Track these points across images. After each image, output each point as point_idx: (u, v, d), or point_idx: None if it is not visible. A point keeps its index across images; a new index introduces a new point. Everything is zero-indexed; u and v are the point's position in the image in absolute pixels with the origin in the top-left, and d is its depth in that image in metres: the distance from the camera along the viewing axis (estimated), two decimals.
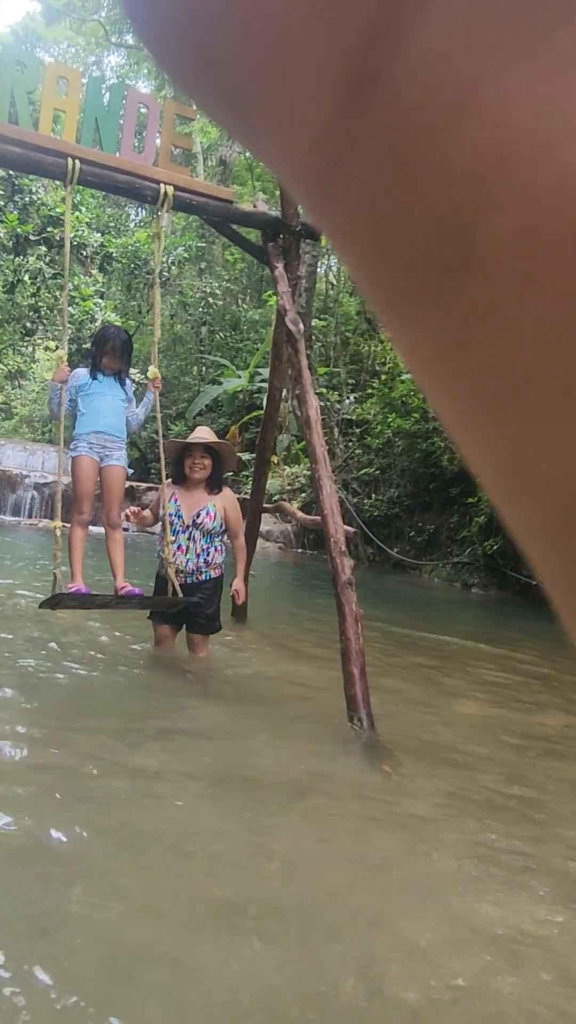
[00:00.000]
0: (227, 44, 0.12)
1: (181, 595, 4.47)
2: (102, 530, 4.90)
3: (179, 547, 4.54)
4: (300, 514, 6.58)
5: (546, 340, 0.10)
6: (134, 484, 14.58)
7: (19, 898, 2.04)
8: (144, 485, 14.71)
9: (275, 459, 13.10)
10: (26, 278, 15.24)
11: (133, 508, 4.65)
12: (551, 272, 0.10)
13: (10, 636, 4.83)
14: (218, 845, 2.49)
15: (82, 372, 4.80)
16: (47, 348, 19.43)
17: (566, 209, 0.10)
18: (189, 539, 4.53)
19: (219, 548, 4.62)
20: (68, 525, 4.66)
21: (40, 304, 16.08)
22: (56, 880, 2.15)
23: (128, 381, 4.97)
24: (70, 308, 16.54)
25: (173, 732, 3.49)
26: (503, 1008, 1.85)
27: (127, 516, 4.60)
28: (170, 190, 4.73)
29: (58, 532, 4.35)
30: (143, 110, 5.02)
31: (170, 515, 4.54)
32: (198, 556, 4.53)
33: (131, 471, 5.09)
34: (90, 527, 4.81)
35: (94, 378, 4.79)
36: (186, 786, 2.93)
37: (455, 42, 0.10)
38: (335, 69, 0.11)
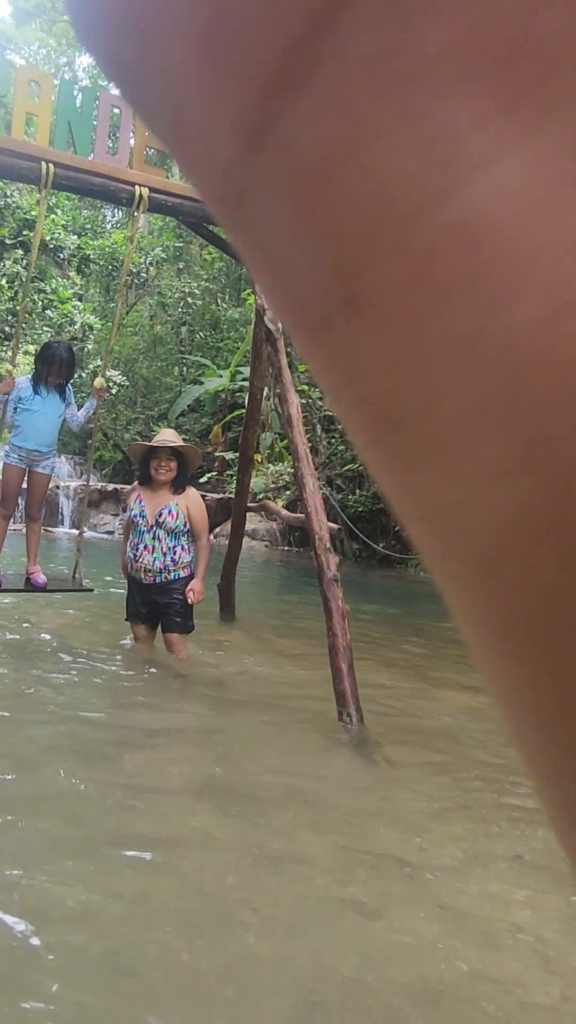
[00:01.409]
0: (142, 86, 0.13)
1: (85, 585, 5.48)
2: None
3: (145, 547, 4.64)
4: (284, 512, 6.60)
5: (424, 382, 0.11)
6: (118, 487, 14.57)
7: (16, 895, 2.05)
8: (128, 487, 14.69)
9: (258, 457, 13.10)
10: (3, 282, 15.16)
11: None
12: (425, 325, 0.11)
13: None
14: (209, 841, 2.50)
15: (24, 382, 5.18)
16: (26, 352, 19.33)
17: (436, 268, 0.10)
18: (154, 539, 4.62)
19: (186, 547, 4.70)
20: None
21: (18, 308, 15.98)
22: (55, 878, 2.16)
23: (69, 388, 5.45)
24: (48, 312, 16.49)
25: (160, 731, 3.50)
26: (499, 999, 1.88)
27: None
28: (145, 192, 4.73)
29: None
30: (116, 111, 5.02)
31: (135, 516, 4.67)
32: (164, 555, 4.61)
33: (57, 474, 5.93)
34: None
35: (36, 392, 5.23)
36: (175, 784, 2.94)
37: (342, 102, 0.10)
38: (236, 113, 0.11)
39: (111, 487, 14.72)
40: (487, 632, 0.12)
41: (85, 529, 5.77)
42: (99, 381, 5.30)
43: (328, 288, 0.11)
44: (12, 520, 5.68)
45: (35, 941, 1.90)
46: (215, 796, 2.88)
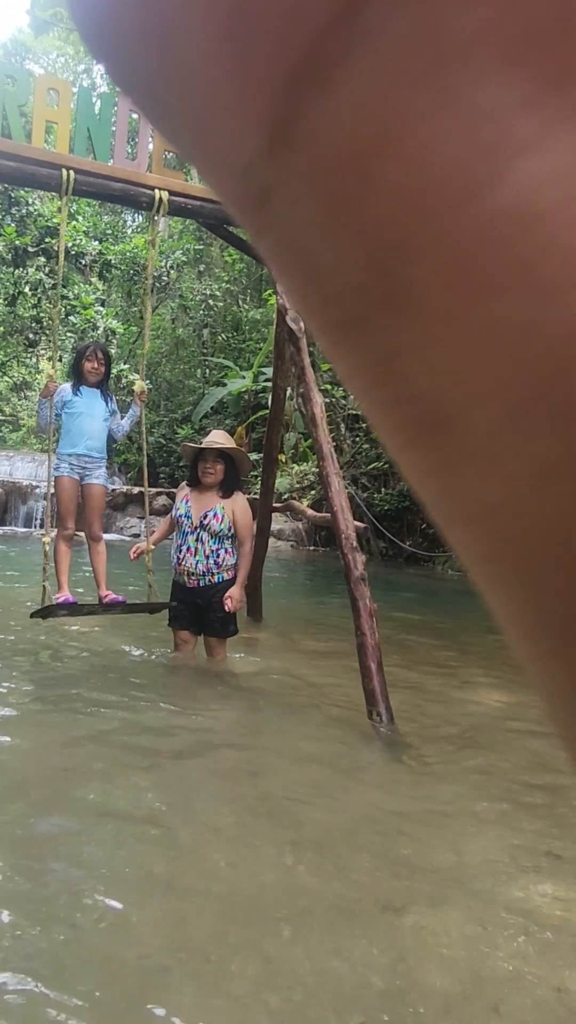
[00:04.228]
0: (158, 92, 0.12)
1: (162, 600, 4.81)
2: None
3: (188, 549, 4.58)
4: (310, 512, 6.58)
5: (469, 379, 0.11)
6: (143, 490, 14.63)
7: (49, 892, 2.06)
8: (153, 490, 14.76)
9: (283, 458, 13.10)
10: (26, 290, 15.31)
11: (135, 549, 4.91)
12: (471, 319, 0.10)
13: (30, 644, 4.87)
14: (242, 840, 2.50)
15: (66, 388, 5.02)
16: (50, 359, 19.51)
17: (483, 260, 0.10)
18: (198, 541, 4.56)
19: (230, 551, 4.62)
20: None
21: (42, 315, 16.16)
22: (86, 873, 2.17)
23: (111, 395, 5.21)
24: (71, 317, 16.63)
25: (192, 731, 3.51)
26: (536, 996, 1.85)
27: (131, 555, 4.88)
28: (165, 195, 4.75)
29: (47, 546, 4.68)
30: (134, 116, 5.05)
31: (180, 516, 4.61)
32: (207, 558, 4.55)
33: (111, 486, 5.47)
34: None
35: (76, 393, 5.02)
36: (207, 783, 2.94)
37: (376, 91, 0.10)
38: (260, 108, 0.11)
39: (136, 490, 14.80)
40: (538, 636, 0.12)
41: (152, 547, 4.93)
42: (139, 385, 5.17)
43: (362, 286, 0.11)
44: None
45: (69, 937, 1.91)
46: (245, 796, 2.88)
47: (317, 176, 0.11)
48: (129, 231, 20.06)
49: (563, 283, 0.10)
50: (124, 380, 14.76)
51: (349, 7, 0.10)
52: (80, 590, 5.43)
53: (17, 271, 14.88)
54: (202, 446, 4.59)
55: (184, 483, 4.76)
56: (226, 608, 4.57)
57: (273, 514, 6.78)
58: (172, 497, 4.78)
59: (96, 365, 5.03)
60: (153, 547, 4.85)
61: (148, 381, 17.01)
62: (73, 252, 16.19)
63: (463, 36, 0.10)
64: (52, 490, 4.98)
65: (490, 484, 0.11)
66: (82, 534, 5.18)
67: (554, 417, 0.10)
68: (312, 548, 14.20)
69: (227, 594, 4.59)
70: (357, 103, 0.10)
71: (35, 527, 13.52)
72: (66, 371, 5.83)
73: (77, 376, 5.07)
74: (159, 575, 5.07)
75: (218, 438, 4.69)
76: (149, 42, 0.12)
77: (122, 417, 5.22)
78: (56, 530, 5.01)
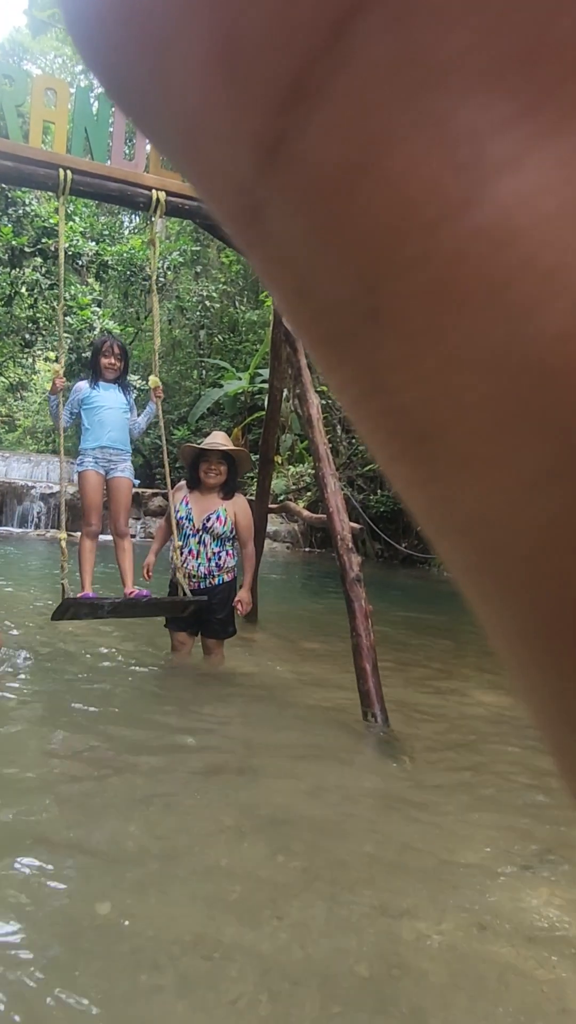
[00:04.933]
0: (151, 107, 0.12)
1: (190, 596, 4.51)
2: (110, 538, 4.97)
3: (190, 551, 4.54)
4: (306, 513, 6.58)
5: (451, 394, 0.11)
6: (139, 491, 14.63)
7: (41, 891, 2.06)
8: (150, 491, 14.74)
9: (279, 459, 13.10)
10: (23, 290, 15.29)
11: (147, 563, 4.70)
12: (453, 335, 0.10)
13: (26, 646, 4.86)
14: (235, 840, 2.50)
15: (83, 385, 4.86)
16: (47, 359, 19.47)
17: (462, 277, 0.10)
18: (199, 543, 4.53)
19: (231, 552, 4.61)
20: (73, 535, 4.78)
21: (38, 315, 16.13)
22: (78, 870, 2.17)
23: (130, 388, 5.01)
24: (67, 318, 16.61)
25: (187, 731, 3.51)
26: (528, 998, 1.86)
27: (144, 574, 4.66)
28: (162, 196, 4.75)
29: (63, 543, 4.43)
30: (147, 136, 5.04)
31: (181, 518, 4.56)
32: (209, 560, 4.53)
33: (137, 481, 5.16)
34: (99, 537, 4.85)
35: (95, 387, 4.83)
36: (202, 782, 2.94)
37: (360, 112, 0.10)
38: (252, 129, 0.11)
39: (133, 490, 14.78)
40: (523, 646, 0.12)
41: (180, 544, 4.68)
42: (154, 380, 4.92)
43: (351, 300, 0.11)
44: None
45: (63, 946, 1.91)
46: (239, 795, 2.87)
47: (305, 194, 0.11)
48: (126, 232, 20.05)
49: (540, 300, 0.10)
50: (129, 378, 14.73)
51: (336, 32, 0.10)
52: (97, 587, 5.23)
53: (13, 271, 14.86)
54: (204, 447, 4.55)
55: (182, 484, 4.71)
56: (237, 612, 4.57)
57: (269, 515, 6.78)
58: (168, 498, 4.70)
59: (113, 360, 4.89)
60: (155, 558, 4.81)
61: (145, 382, 17.03)
62: (70, 252, 16.17)
63: (443, 59, 0.10)
64: (63, 488, 4.74)
65: (475, 496, 0.11)
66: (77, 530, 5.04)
67: (535, 431, 0.10)
68: (308, 549, 14.21)
69: (237, 598, 4.57)
70: (342, 124, 0.10)
71: (30, 528, 13.50)
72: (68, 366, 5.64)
73: (95, 372, 4.90)
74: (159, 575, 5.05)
75: (219, 439, 4.66)
76: (142, 59, 0.12)
77: (139, 414, 5.04)
78: (80, 528, 4.81)
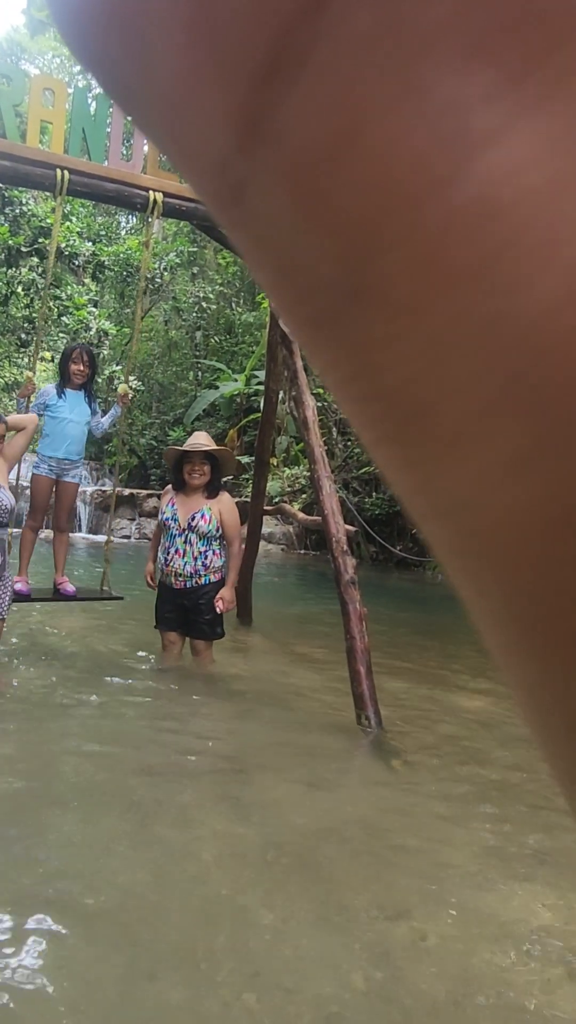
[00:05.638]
0: (129, 84, 0.12)
1: (113, 592, 5.34)
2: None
3: (176, 551, 4.57)
4: (301, 515, 6.59)
5: (438, 373, 0.11)
6: (134, 492, 14.62)
7: (33, 893, 2.05)
8: (144, 492, 14.74)
9: (274, 461, 13.10)
10: (19, 290, 15.28)
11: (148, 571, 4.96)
12: (439, 312, 0.10)
13: (16, 644, 4.84)
14: (228, 843, 2.50)
15: (51, 389, 5.23)
16: (43, 359, 19.43)
17: (448, 253, 0.10)
18: (186, 543, 4.55)
19: (218, 552, 4.62)
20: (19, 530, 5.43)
21: (34, 315, 16.11)
22: (69, 874, 2.16)
23: (94, 397, 5.45)
24: (64, 318, 16.60)
25: (179, 733, 3.50)
26: (519, 1001, 1.86)
27: (147, 582, 5.00)
28: (159, 197, 4.75)
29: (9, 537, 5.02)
30: (129, 117, 5.04)
31: (167, 519, 4.60)
32: (195, 559, 4.55)
33: (104, 488, 5.78)
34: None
35: (61, 395, 5.19)
36: (193, 785, 2.94)
37: (341, 85, 0.10)
38: (231, 103, 0.11)
39: (127, 492, 14.77)
40: (506, 630, 0.12)
41: (112, 539, 5.62)
42: (123, 387, 5.27)
43: (334, 280, 0.11)
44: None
45: (57, 942, 1.90)
46: (231, 798, 2.87)
47: (287, 170, 0.11)
48: (123, 232, 20.05)
49: (527, 275, 0.09)
50: (116, 382, 14.73)
51: (315, 1, 0.10)
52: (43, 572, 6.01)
53: (10, 271, 14.85)
54: (187, 448, 4.59)
55: (168, 487, 4.76)
56: (217, 610, 4.55)
57: (264, 517, 6.78)
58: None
59: (81, 367, 5.23)
60: (154, 564, 4.84)
61: (141, 383, 17.02)
62: (67, 253, 16.17)
63: (425, 30, 0.09)
64: (17, 489, 5.21)
65: (461, 478, 0.11)
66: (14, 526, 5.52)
67: (523, 410, 0.10)
68: (303, 551, 14.20)
69: (218, 595, 4.57)
70: (323, 98, 0.10)
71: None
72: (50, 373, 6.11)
73: (63, 377, 5.24)
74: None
75: (201, 439, 4.69)
76: (118, 33, 0.11)
77: (103, 415, 5.44)
78: (25, 521, 5.46)
